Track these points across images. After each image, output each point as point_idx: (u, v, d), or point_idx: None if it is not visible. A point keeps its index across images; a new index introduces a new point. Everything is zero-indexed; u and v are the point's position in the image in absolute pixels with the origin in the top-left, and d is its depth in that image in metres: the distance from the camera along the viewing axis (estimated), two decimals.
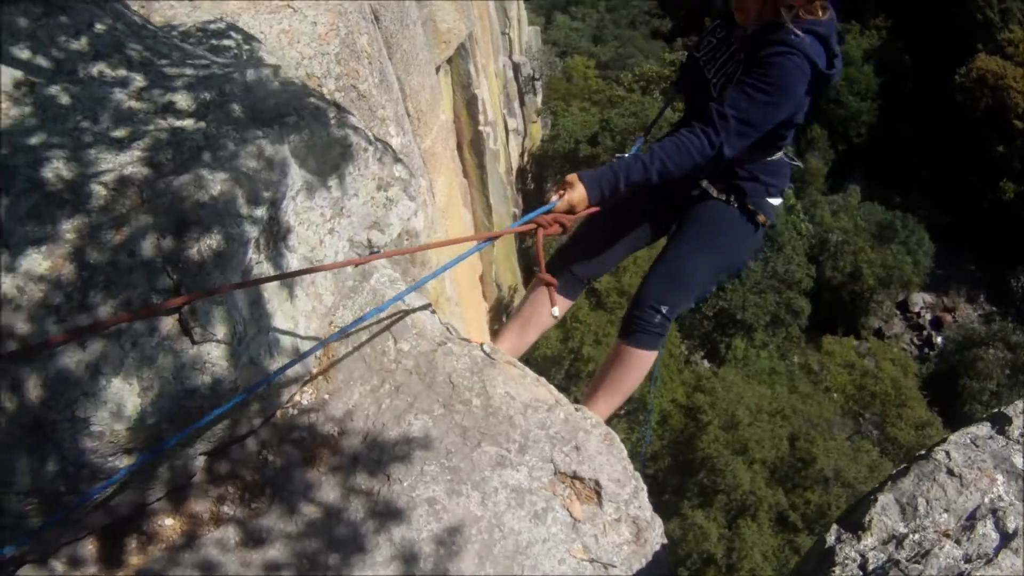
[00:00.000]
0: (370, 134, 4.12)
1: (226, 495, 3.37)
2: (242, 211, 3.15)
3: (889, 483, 2.75)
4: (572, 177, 3.67)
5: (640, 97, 35.00)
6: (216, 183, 3.13)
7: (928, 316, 48.10)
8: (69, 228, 2.98)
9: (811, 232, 38.46)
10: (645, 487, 3.63)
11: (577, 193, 3.62)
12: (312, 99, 3.94)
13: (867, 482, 22.28)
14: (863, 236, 43.26)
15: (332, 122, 3.88)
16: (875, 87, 55.60)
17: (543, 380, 3.98)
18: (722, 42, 3.85)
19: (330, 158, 3.81)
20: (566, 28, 55.53)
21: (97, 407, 2.82)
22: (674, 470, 24.91)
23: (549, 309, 4.11)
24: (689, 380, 27.43)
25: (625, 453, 3.72)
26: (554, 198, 3.72)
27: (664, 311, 3.97)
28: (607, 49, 54.49)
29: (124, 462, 2.96)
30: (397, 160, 4.25)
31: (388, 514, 3.27)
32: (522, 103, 34.19)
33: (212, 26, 5.05)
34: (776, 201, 4.10)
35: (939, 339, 45.86)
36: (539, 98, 38.46)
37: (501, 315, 19.47)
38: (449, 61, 15.55)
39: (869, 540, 2.55)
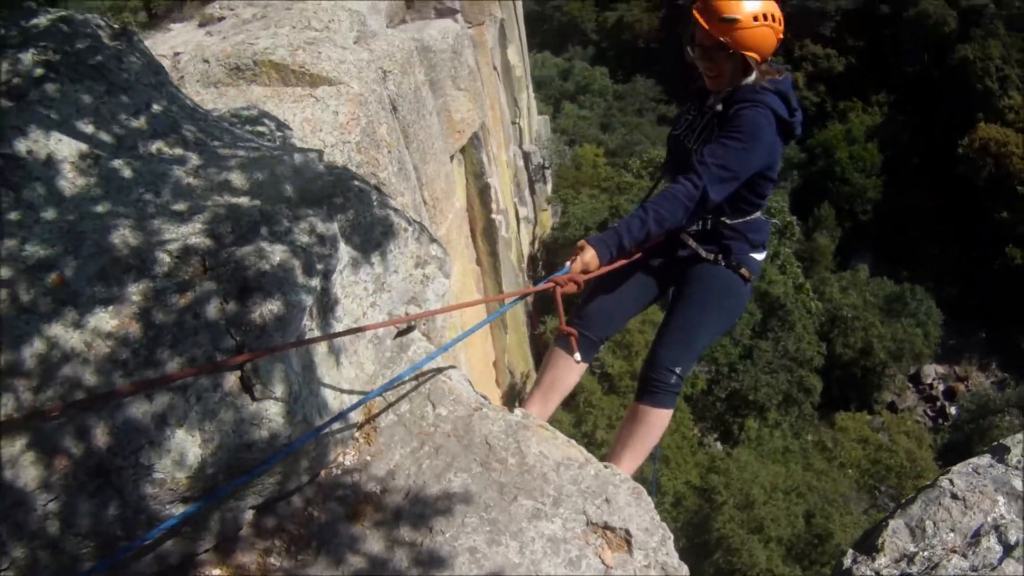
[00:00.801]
0: (409, 215, 4.37)
1: (272, 548, 3.52)
2: (299, 280, 3.39)
3: (899, 510, 2.93)
4: (582, 243, 4.04)
5: (648, 183, 35.24)
6: (276, 254, 3.38)
7: (941, 387, 47.84)
8: (135, 291, 3.23)
9: (821, 310, 38.46)
10: (672, 536, 3.78)
11: (588, 255, 3.98)
12: (356, 182, 4.23)
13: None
14: (872, 311, 43.26)
15: (375, 203, 4.16)
16: (879, 163, 56.10)
17: (573, 441, 4.17)
18: (697, 116, 4.35)
19: (373, 236, 4.07)
20: (575, 117, 56.19)
21: (161, 455, 3.01)
22: (689, 551, 24.57)
23: (568, 374, 4.57)
24: (703, 462, 27.23)
25: (652, 504, 3.89)
26: (568, 263, 4.06)
27: (678, 372, 4.28)
28: (615, 136, 55.06)
29: (180, 510, 3.13)
30: (433, 240, 4.50)
31: (432, 563, 3.41)
32: (532, 191, 34.47)
33: (245, 112, 5.36)
34: (760, 256, 4.48)
35: (953, 409, 45.49)
36: (549, 186, 38.79)
37: (513, 401, 19.50)
38: (462, 150, 15.79)
39: (883, 560, 2.73)
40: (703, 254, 4.37)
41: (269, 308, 3.23)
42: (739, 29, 3.93)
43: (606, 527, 3.67)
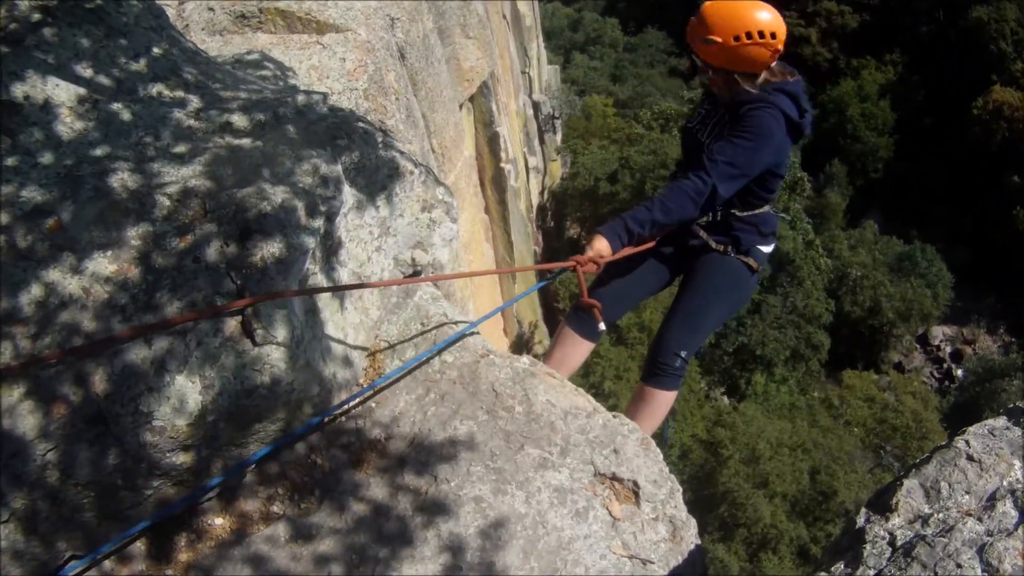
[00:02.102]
0: (415, 157, 4.29)
1: (275, 495, 3.49)
2: (301, 222, 3.31)
3: (913, 469, 2.88)
4: (593, 234, 4.20)
5: (659, 135, 35.01)
6: (277, 195, 3.30)
7: (948, 349, 47.86)
8: (134, 235, 3.16)
9: (830, 267, 38.28)
10: (681, 488, 3.75)
11: (600, 243, 4.15)
12: (361, 124, 4.14)
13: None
14: (882, 270, 43.16)
15: (380, 145, 4.07)
16: (891, 122, 55.77)
17: (581, 390, 4.12)
18: (711, 111, 4.48)
19: (378, 179, 3.99)
20: (585, 67, 55.92)
21: (160, 402, 2.96)
22: (695, 504, 24.59)
23: (576, 351, 4.78)
24: (709, 416, 27.28)
25: (661, 456, 3.86)
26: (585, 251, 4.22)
27: (683, 355, 4.48)
28: (625, 88, 54.77)
29: (180, 459, 3.10)
30: (440, 183, 4.42)
31: (436, 510, 3.38)
32: (542, 141, 34.30)
33: (248, 57, 5.26)
34: (767, 248, 4.62)
35: (959, 371, 45.53)
36: (559, 136, 38.62)
37: (521, 350, 19.49)
38: (471, 99, 15.64)
39: (896, 520, 2.68)
40: (713, 244, 4.51)
41: (270, 250, 3.16)
42: (723, 49, 4.07)
43: (614, 478, 3.63)
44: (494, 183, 17.48)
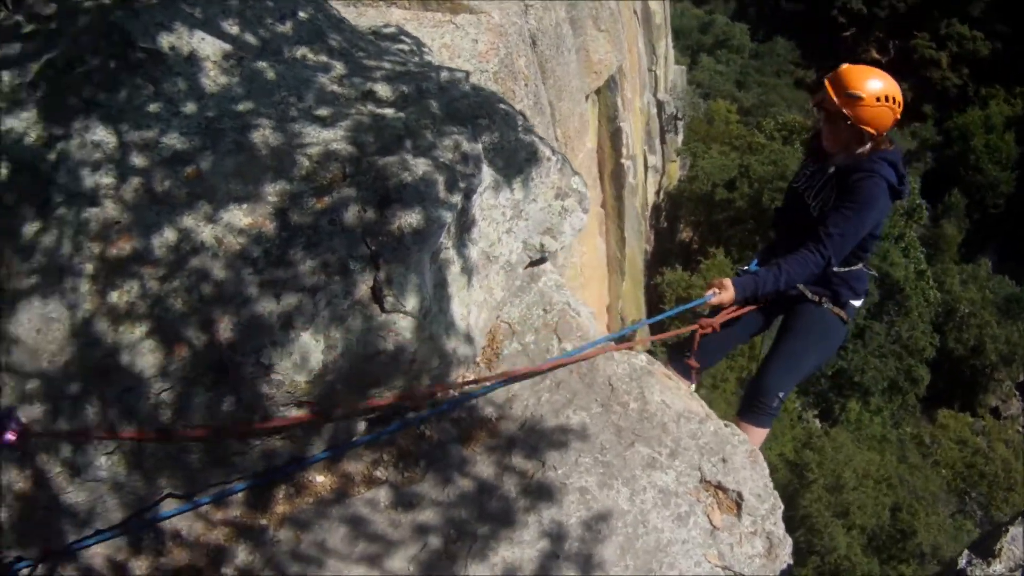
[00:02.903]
0: (553, 144, 4.28)
1: (380, 460, 3.53)
2: (440, 196, 3.32)
3: (1020, 517, 2.82)
4: (726, 281, 4.52)
5: (781, 146, 34.40)
6: (419, 167, 3.32)
7: None
8: (272, 191, 3.23)
9: (939, 300, 37.23)
10: (783, 506, 3.72)
11: (728, 295, 4.48)
12: (503, 105, 4.14)
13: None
14: (990, 309, 41.65)
15: (520, 128, 4.06)
16: (1015, 156, 53.88)
17: (695, 394, 4.10)
18: (816, 173, 4.68)
19: (516, 162, 3.98)
20: (711, 70, 55.21)
21: (282, 356, 3.02)
22: None
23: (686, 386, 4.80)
24: (800, 436, 26.79)
25: (767, 471, 3.82)
26: (708, 292, 4.54)
27: (781, 396, 4.72)
28: (750, 95, 53.97)
29: (294, 413, 3.16)
30: (575, 173, 4.41)
31: (540, 495, 3.38)
32: (663, 141, 34.00)
33: (386, 30, 5.30)
34: (857, 303, 4.87)
35: None
36: (680, 137, 38.20)
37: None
38: (597, 92, 15.56)
39: (998, 566, 2.63)
40: (809, 295, 4.74)
41: (408, 220, 3.18)
42: (862, 106, 4.26)
43: (719, 487, 3.60)
44: (613, 178, 17.40)
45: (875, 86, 4.27)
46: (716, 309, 4.65)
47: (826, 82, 4.45)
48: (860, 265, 4.76)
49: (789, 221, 5.01)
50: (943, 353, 37.84)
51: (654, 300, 27.55)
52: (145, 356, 3.00)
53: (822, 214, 4.51)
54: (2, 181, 3.23)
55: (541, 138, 4.19)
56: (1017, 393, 45.69)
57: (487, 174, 3.78)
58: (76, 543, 3.14)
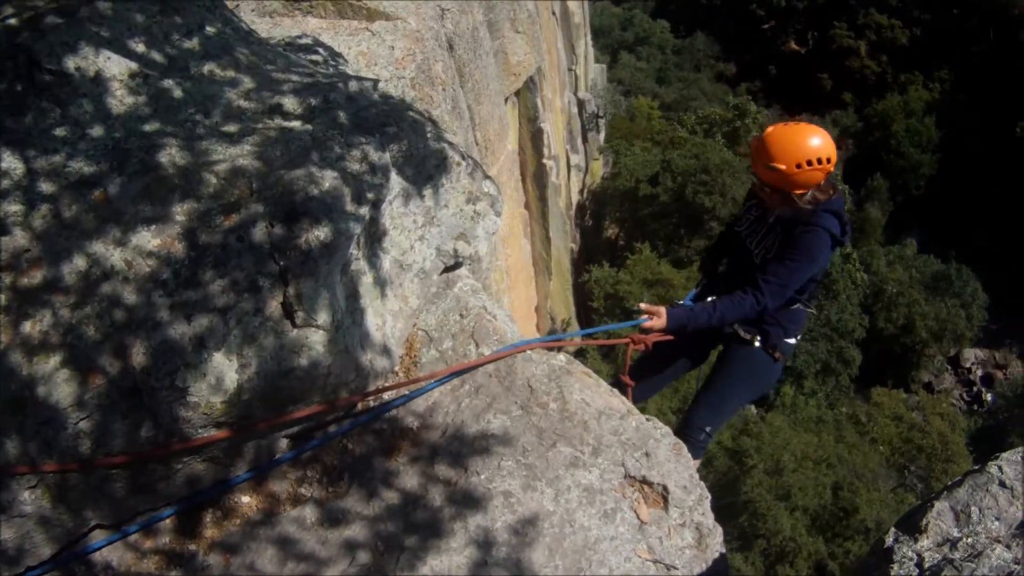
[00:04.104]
0: (462, 150, 4.28)
1: (305, 477, 3.50)
2: (348, 208, 3.31)
3: (945, 492, 2.85)
4: (660, 309, 4.64)
5: (702, 140, 34.87)
6: (326, 180, 3.30)
7: (979, 372, 47.09)
8: (180, 211, 3.18)
9: (866, 282, 37.90)
10: (710, 496, 3.73)
11: (660, 322, 4.60)
12: (411, 113, 4.12)
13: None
14: (917, 288, 42.51)
15: (429, 135, 4.05)
16: (936, 140, 55.13)
17: (616, 391, 4.12)
18: (758, 220, 4.79)
19: (425, 169, 3.97)
20: (631, 67, 55.72)
21: (197, 378, 2.97)
22: (716, 512, 24.30)
23: None
24: (736, 423, 26.99)
25: (692, 463, 3.85)
26: (643, 316, 4.65)
27: (708, 431, 4.97)
28: (671, 91, 54.61)
29: (212, 435, 3.11)
30: (487, 177, 4.40)
31: (465, 503, 3.37)
32: (585, 140, 34.19)
33: (300, 41, 5.26)
34: (792, 341, 5.01)
35: (989, 396, 44.86)
36: (602, 136, 38.45)
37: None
38: (517, 93, 15.63)
39: (925, 542, 2.66)
40: (742, 334, 4.88)
41: (316, 234, 3.16)
42: (784, 174, 4.34)
43: (644, 481, 3.61)
44: (535, 179, 17.47)
45: (798, 155, 4.31)
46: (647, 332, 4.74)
47: (750, 152, 4.56)
48: (797, 306, 4.87)
49: (730, 263, 5.23)
50: (873, 333, 38.59)
51: (582, 298, 27.69)
52: (60, 387, 2.93)
53: (764, 261, 4.61)
54: None
55: (451, 143, 4.18)
56: (949, 367, 46.71)
57: (396, 183, 3.76)
58: None
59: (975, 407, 44.59)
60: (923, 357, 43.57)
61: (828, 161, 4.34)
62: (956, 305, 42.56)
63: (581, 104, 33.15)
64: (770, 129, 4.46)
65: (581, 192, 34.72)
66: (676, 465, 3.72)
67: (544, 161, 17.41)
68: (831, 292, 33.86)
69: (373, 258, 3.66)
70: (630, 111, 43.20)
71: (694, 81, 58.35)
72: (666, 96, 52.32)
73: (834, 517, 25.21)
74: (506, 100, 13.66)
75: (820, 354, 33.37)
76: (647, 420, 3.94)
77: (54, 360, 2.95)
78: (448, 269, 4.29)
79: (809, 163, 4.29)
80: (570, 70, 30.79)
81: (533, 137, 16.84)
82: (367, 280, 3.59)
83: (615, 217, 36.76)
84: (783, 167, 4.31)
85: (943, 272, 44.70)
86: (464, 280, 4.35)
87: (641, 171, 33.92)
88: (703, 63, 63.49)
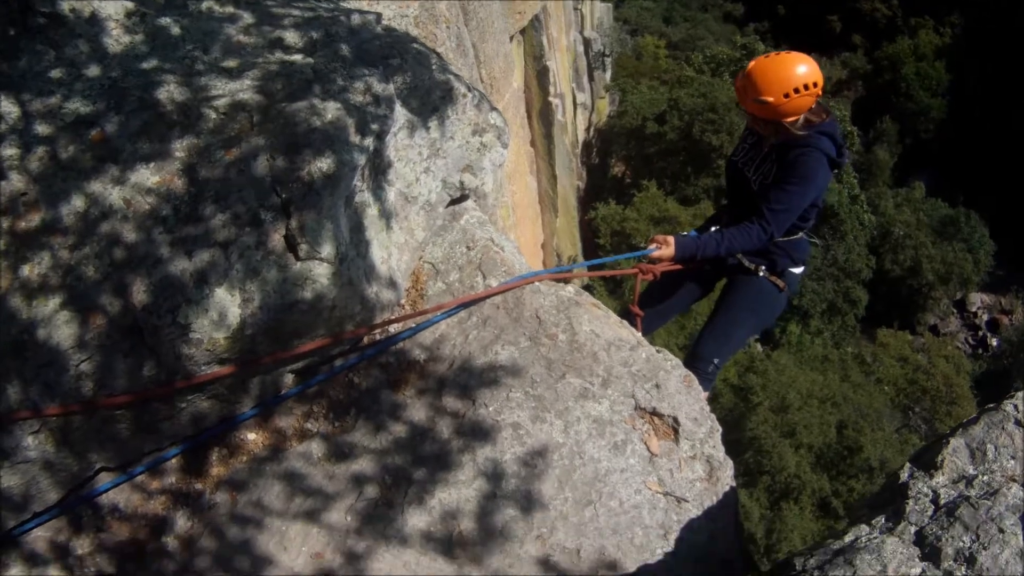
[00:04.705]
0: (468, 81, 4.20)
1: (311, 412, 3.48)
2: (352, 139, 3.25)
3: (960, 429, 2.82)
4: (668, 238, 4.65)
5: (710, 79, 34.49)
6: (328, 111, 3.24)
7: (985, 316, 47.13)
8: (179, 147, 3.13)
9: (873, 223, 37.70)
10: (720, 428, 3.71)
11: (668, 251, 4.60)
12: (415, 45, 4.04)
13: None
14: (925, 231, 42.34)
15: (434, 67, 3.97)
16: (946, 84, 54.55)
17: (626, 323, 4.08)
18: (754, 147, 4.79)
19: (431, 100, 3.89)
20: (637, 7, 55.13)
21: (199, 315, 2.94)
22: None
23: None
24: (742, 360, 27.06)
25: (702, 395, 3.82)
26: (652, 246, 4.68)
27: (716, 362, 4.89)
28: (678, 30, 54.01)
29: (215, 371, 3.09)
30: (493, 108, 4.32)
31: (474, 435, 3.36)
32: (591, 78, 33.96)
33: None
34: (798, 270, 5.04)
35: (994, 340, 44.91)
36: (608, 74, 38.15)
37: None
38: (522, 32, 15.49)
39: (941, 478, 2.63)
40: (747, 264, 4.88)
41: (319, 166, 3.10)
42: (774, 105, 4.33)
43: (654, 413, 3.59)
44: (541, 116, 17.38)
45: (785, 82, 4.31)
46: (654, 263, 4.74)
47: (736, 90, 4.54)
48: (800, 234, 4.87)
49: (730, 193, 5.21)
50: (880, 274, 38.51)
51: (588, 235, 27.62)
52: (60, 329, 2.90)
53: (763, 187, 4.59)
54: None
55: (457, 75, 4.11)
56: (955, 311, 46.72)
57: (401, 114, 3.69)
58: (15, 529, 3.07)
59: (980, 351, 44.66)
60: (929, 300, 43.57)
61: (815, 86, 4.34)
62: (963, 249, 42.45)
63: (587, 43, 32.87)
64: (753, 63, 4.47)
65: (587, 130, 34.55)
66: (687, 397, 3.70)
67: (550, 99, 17.31)
68: (838, 232, 33.75)
69: (378, 190, 3.60)
70: (636, 50, 42.78)
71: (701, 21, 57.72)
72: (673, 35, 51.69)
73: (838, 455, 25.35)
74: (511, 38, 13.52)
75: (826, 294, 33.34)
76: (657, 351, 3.91)
77: (53, 302, 2.92)
78: (454, 202, 4.23)
79: (796, 91, 4.30)
80: (576, 9, 30.51)
81: (539, 75, 16.73)
82: (372, 212, 3.54)
83: (621, 155, 36.56)
84: (771, 99, 4.32)
85: (951, 216, 44.50)
86: (471, 212, 4.29)
87: (648, 109, 33.63)
88: (710, 3, 62.77)
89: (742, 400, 24.55)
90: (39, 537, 3.12)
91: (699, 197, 30.95)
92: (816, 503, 24.08)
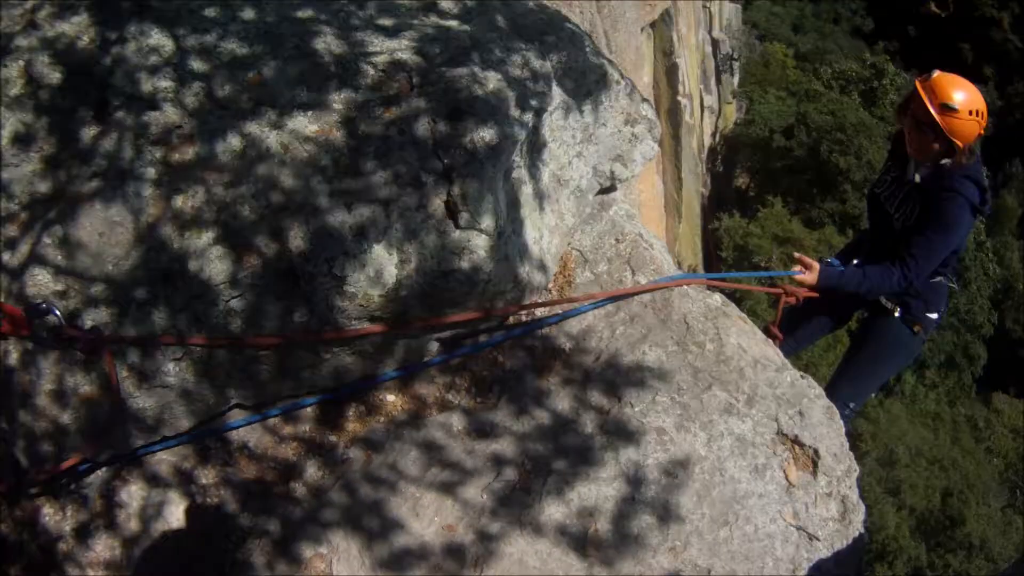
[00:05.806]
0: (621, 69, 4.30)
1: (453, 384, 3.63)
2: (513, 113, 3.38)
3: None
4: (814, 264, 4.85)
5: (838, 95, 34.23)
6: (490, 81, 3.37)
7: None
8: (337, 99, 3.28)
9: (998, 275, 37.00)
10: (858, 468, 3.76)
11: (811, 277, 4.80)
12: (569, 24, 4.16)
13: (1011, 561, 21.32)
14: None
15: (588, 50, 4.09)
16: None
17: (771, 342, 4.18)
18: (896, 181, 4.90)
19: (585, 83, 4.00)
20: (767, 11, 54.57)
21: (356, 268, 3.09)
22: None
23: None
24: None
25: (843, 430, 3.88)
26: (796, 268, 4.89)
27: (851, 407, 5.16)
28: (806, 40, 53.44)
29: (366, 327, 3.25)
30: (644, 100, 4.42)
31: (618, 433, 3.45)
32: (718, 81, 33.81)
33: None
34: (934, 315, 5.12)
35: None
36: (736, 79, 37.88)
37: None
38: (653, 25, 15.56)
39: None
40: (883, 302, 5.02)
41: (482, 135, 3.23)
42: (955, 118, 4.38)
43: (796, 441, 3.65)
44: (669, 115, 17.45)
45: (966, 99, 4.39)
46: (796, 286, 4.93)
47: (920, 89, 4.53)
48: (940, 278, 4.98)
49: (871, 225, 5.32)
50: (999, 333, 37.60)
51: (710, 245, 27.52)
52: (213, 263, 3.09)
53: (905, 228, 4.73)
54: (57, 85, 3.32)
55: (610, 60, 4.23)
56: None
57: (557, 94, 3.81)
58: (142, 448, 3.28)
59: None
60: None
61: (984, 119, 4.46)
62: None
63: (715, 44, 32.75)
64: (939, 73, 4.53)
65: (713, 135, 34.44)
66: (828, 430, 3.76)
67: (679, 98, 17.37)
68: (962, 279, 33.11)
69: (533, 169, 3.72)
70: (764, 56, 42.44)
71: (830, 33, 57.01)
72: (801, 45, 51.13)
73: (940, 525, 24.92)
74: (641, 30, 13.58)
75: (946, 345, 32.76)
76: (801, 377, 3.97)
77: (207, 236, 3.10)
78: (603, 191, 4.34)
79: (976, 112, 4.41)
80: (704, 7, 30.43)
81: (668, 72, 16.78)
82: (527, 191, 3.66)
83: (746, 166, 36.63)
84: (958, 107, 4.36)
85: None
86: (619, 204, 4.41)
87: (775, 120, 33.58)
88: (841, 15, 61.92)
89: (851, 445, 24.26)
90: (164, 460, 3.33)
91: (823, 221, 30.75)
92: (910, 571, 23.67)
